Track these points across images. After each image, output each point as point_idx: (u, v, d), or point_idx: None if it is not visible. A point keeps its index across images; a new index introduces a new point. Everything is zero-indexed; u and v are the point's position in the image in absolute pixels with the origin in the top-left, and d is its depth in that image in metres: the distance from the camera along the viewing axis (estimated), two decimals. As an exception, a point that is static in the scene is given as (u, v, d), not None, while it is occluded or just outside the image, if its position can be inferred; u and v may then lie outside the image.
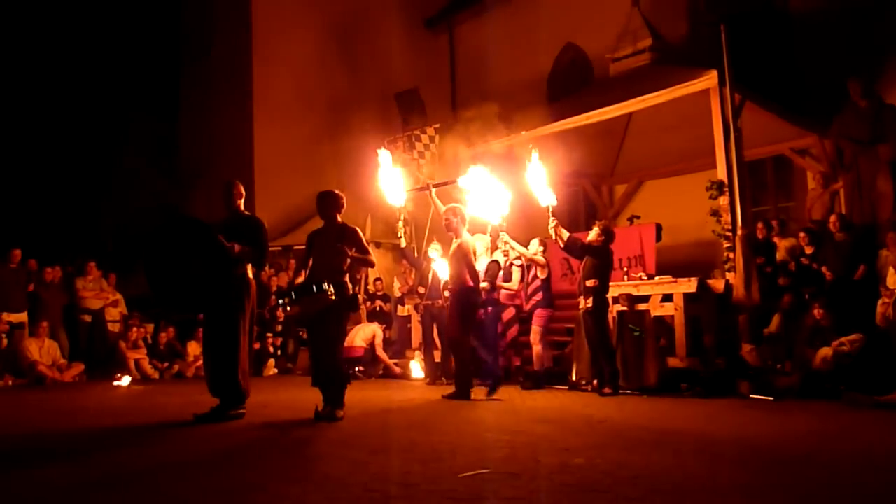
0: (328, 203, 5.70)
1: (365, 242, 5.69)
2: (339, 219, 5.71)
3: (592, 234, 7.39)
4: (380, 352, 10.09)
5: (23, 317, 10.01)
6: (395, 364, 10.14)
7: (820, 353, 6.87)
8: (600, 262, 7.22)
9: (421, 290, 8.73)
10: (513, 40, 14.60)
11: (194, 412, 5.34)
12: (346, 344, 9.80)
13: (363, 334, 10.02)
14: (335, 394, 5.33)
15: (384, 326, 10.58)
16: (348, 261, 5.47)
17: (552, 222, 7.05)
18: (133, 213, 14.26)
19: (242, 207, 5.77)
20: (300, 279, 5.69)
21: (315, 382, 5.49)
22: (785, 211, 10.95)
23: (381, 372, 10.09)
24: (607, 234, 7.38)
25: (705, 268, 8.78)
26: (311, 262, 5.61)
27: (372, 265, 5.95)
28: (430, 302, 8.52)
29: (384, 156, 7.92)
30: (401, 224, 8.02)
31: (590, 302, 7.13)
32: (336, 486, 3.18)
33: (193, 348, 10.96)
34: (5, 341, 9.68)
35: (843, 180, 9.31)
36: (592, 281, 7.16)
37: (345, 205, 5.78)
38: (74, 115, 15.08)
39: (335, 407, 5.27)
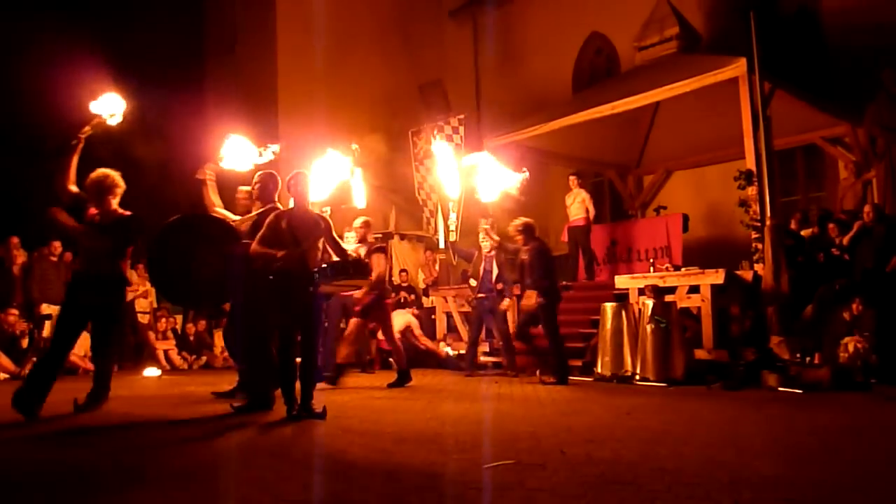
0: (308, 184, 5.21)
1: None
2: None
3: (518, 237, 7.62)
4: (424, 341, 9.88)
5: (60, 309, 10.21)
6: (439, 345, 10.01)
7: (846, 346, 6.76)
8: (539, 261, 7.35)
9: (473, 282, 8.58)
10: (537, 30, 14.50)
11: (231, 403, 5.42)
12: (380, 336, 9.85)
13: (397, 325, 9.87)
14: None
15: (417, 312, 10.45)
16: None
17: (485, 223, 7.56)
18: (161, 208, 14.43)
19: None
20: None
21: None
22: (816, 201, 10.76)
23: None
24: (526, 232, 7.52)
25: (733, 259, 8.68)
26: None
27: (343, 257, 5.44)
28: (482, 295, 8.39)
29: (441, 147, 7.87)
30: (454, 217, 7.95)
31: (541, 298, 7.28)
32: (360, 475, 3.21)
33: (221, 339, 11.11)
34: (45, 331, 9.89)
35: (876, 170, 9.12)
36: (543, 281, 7.31)
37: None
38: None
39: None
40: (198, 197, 6.02)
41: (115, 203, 5.13)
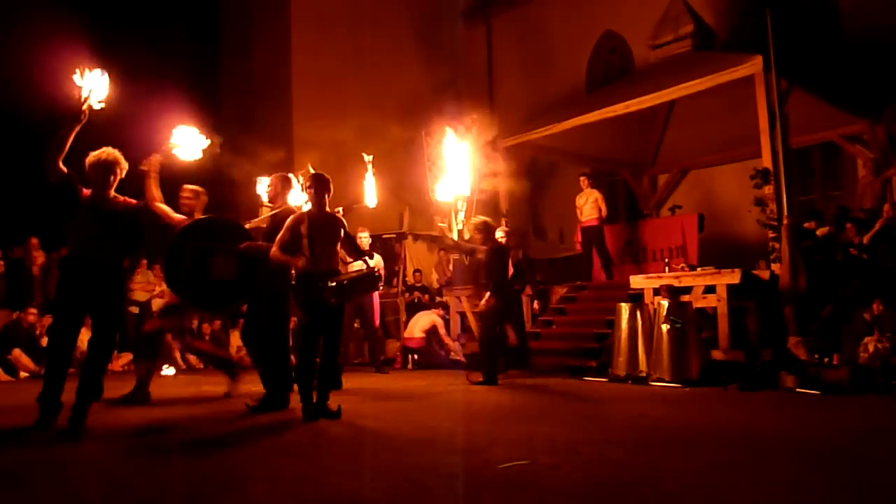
0: (327, 187, 5.14)
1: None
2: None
3: (476, 236, 7.53)
4: (447, 340, 9.91)
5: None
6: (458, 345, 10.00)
7: (866, 347, 6.68)
8: (493, 262, 7.30)
9: None
10: (550, 30, 14.45)
11: (246, 402, 5.45)
12: (406, 334, 9.88)
13: (422, 324, 9.90)
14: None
15: (443, 312, 10.43)
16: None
17: (440, 222, 7.49)
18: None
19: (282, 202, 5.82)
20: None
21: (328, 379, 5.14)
22: (834, 199, 10.65)
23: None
24: (484, 232, 7.43)
25: (750, 258, 8.61)
26: (310, 249, 4.96)
27: (359, 258, 5.51)
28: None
29: (453, 148, 7.84)
30: (461, 216, 7.93)
31: (493, 300, 7.24)
32: (375, 475, 3.21)
33: (236, 338, 11.17)
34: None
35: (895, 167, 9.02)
36: (492, 284, 7.27)
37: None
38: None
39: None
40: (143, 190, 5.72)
41: (114, 188, 4.78)
